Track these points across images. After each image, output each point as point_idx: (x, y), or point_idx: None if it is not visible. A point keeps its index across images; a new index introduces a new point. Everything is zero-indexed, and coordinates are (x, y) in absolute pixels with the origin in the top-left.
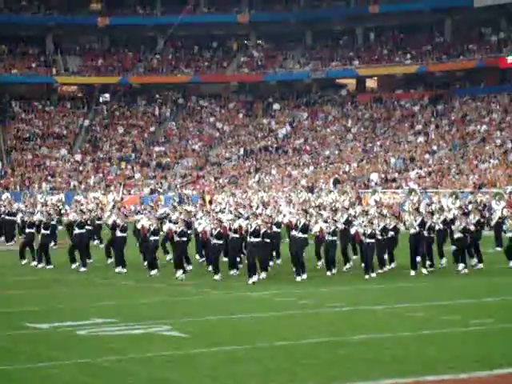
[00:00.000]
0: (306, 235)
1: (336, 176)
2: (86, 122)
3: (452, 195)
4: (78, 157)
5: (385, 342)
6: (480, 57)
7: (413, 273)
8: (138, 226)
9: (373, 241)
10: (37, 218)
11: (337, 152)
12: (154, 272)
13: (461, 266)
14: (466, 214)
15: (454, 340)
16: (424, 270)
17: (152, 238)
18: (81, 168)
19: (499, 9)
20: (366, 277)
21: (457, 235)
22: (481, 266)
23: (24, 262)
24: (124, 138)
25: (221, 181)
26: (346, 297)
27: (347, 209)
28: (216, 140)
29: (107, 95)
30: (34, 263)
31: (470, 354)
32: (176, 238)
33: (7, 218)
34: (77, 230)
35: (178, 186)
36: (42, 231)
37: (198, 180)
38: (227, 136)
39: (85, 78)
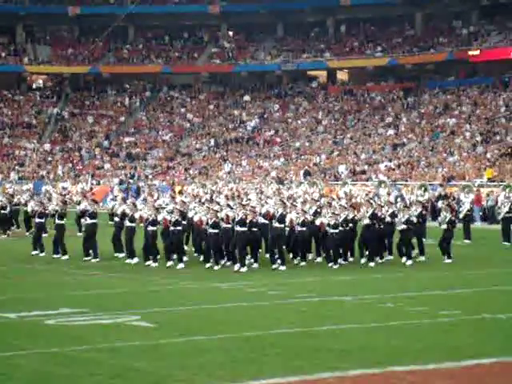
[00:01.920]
0: (282, 225)
1: (306, 168)
2: (56, 112)
3: (421, 188)
4: (47, 146)
5: (353, 332)
6: (450, 50)
7: (372, 264)
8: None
9: (336, 231)
10: (52, 207)
11: (307, 144)
12: (149, 262)
13: (404, 258)
14: (408, 207)
15: (422, 331)
16: (371, 264)
17: (150, 228)
18: (50, 158)
19: (470, 2)
20: (329, 265)
21: (400, 227)
22: (422, 258)
23: (36, 252)
24: (94, 127)
25: (191, 172)
26: (315, 288)
27: (317, 201)
28: (186, 131)
29: (40, 81)
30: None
31: (439, 344)
32: (171, 228)
33: None
34: (88, 221)
35: (149, 177)
36: (57, 221)
37: (168, 171)
38: (198, 127)
39: (55, 68)
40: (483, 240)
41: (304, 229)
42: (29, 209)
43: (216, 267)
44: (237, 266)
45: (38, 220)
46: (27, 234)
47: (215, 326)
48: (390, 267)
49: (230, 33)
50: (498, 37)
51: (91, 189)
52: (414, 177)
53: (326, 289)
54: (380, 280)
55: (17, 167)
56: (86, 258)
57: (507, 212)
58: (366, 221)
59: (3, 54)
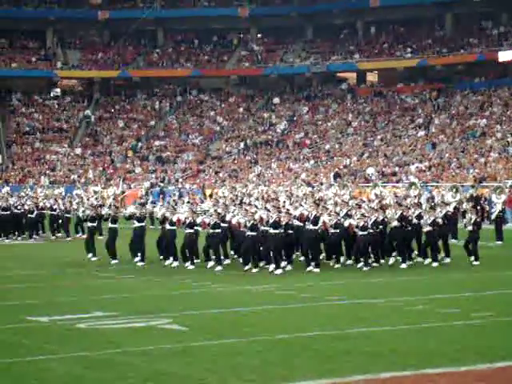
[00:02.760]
0: (316, 227)
1: (336, 170)
2: (92, 118)
3: (452, 189)
4: (78, 151)
5: (384, 335)
6: (480, 50)
7: (404, 265)
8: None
9: (365, 233)
10: (105, 211)
11: (337, 146)
12: (187, 264)
13: (428, 260)
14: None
15: (454, 333)
16: (403, 265)
17: (187, 230)
18: (81, 162)
19: (499, 2)
20: (359, 266)
21: (426, 229)
22: (448, 260)
23: (90, 256)
24: (124, 131)
25: (221, 175)
26: (345, 290)
27: (347, 203)
28: (216, 134)
29: (58, 90)
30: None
31: (471, 346)
32: (210, 231)
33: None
34: (136, 224)
35: (180, 180)
36: (110, 225)
37: (199, 174)
38: (227, 130)
39: (85, 72)
40: None
41: (338, 231)
42: (80, 213)
43: (254, 270)
44: (271, 267)
45: (90, 224)
46: (77, 236)
47: (246, 329)
48: (420, 269)
49: (259, 36)
50: None
51: (123, 192)
52: (446, 178)
53: (356, 291)
54: (410, 282)
55: (48, 172)
56: (136, 260)
57: None
58: (395, 223)
59: (34, 59)
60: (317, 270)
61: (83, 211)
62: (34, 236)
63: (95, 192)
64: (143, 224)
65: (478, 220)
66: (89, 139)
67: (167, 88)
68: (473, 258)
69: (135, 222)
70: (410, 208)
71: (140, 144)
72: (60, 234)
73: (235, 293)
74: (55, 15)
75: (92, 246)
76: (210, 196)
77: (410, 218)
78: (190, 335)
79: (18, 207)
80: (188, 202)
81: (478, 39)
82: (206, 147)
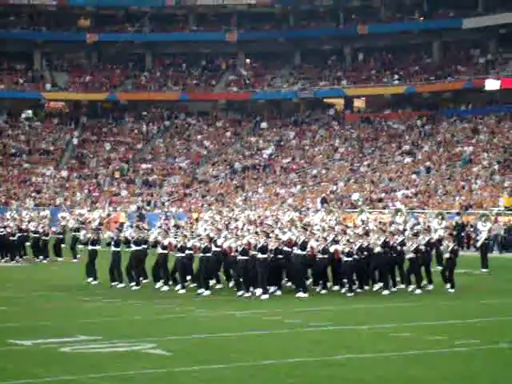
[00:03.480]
0: (304, 252)
1: (324, 195)
2: (75, 140)
3: (438, 216)
4: (64, 173)
5: (369, 362)
6: (468, 78)
7: (386, 292)
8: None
9: (350, 259)
10: (108, 235)
11: (324, 171)
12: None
13: (412, 287)
14: (416, 235)
15: (440, 360)
16: (385, 292)
17: (178, 254)
18: (67, 184)
19: (487, 30)
20: (343, 291)
21: (408, 255)
22: (431, 287)
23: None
24: (111, 154)
25: (208, 198)
26: (331, 316)
27: (333, 228)
28: (203, 158)
29: (30, 111)
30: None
31: (456, 374)
32: (200, 254)
33: None
34: (133, 247)
35: (166, 204)
36: (134, 247)
37: (185, 198)
38: (214, 154)
39: (72, 94)
40: (501, 269)
41: (325, 256)
42: (81, 236)
43: (247, 294)
44: (258, 292)
45: (91, 247)
46: (74, 260)
47: (230, 355)
48: (404, 296)
49: (247, 60)
50: None
51: (108, 215)
52: (432, 205)
53: (342, 317)
54: (395, 308)
55: (33, 194)
56: (132, 284)
57: None
58: (378, 249)
59: (21, 81)
60: (305, 295)
61: (84, 234)
62: (17, 258)
63: (81, 215)
64: (142, 247)
65: (456, 247)
66: (75, 162)
67: (155, 111)
68: (449, 285)
69: (132, 245)
70: (394, 234)
71: (127, 167)
72: (41, 257)
73: (221, 318)
74: (43, 37)
75: (93, 269)
76: (197, 220)
77: (394, 244)
78: (174, 360)
79: (1, 230)
80: (176, 226)
81: (465, 67)
82: (193, 171)
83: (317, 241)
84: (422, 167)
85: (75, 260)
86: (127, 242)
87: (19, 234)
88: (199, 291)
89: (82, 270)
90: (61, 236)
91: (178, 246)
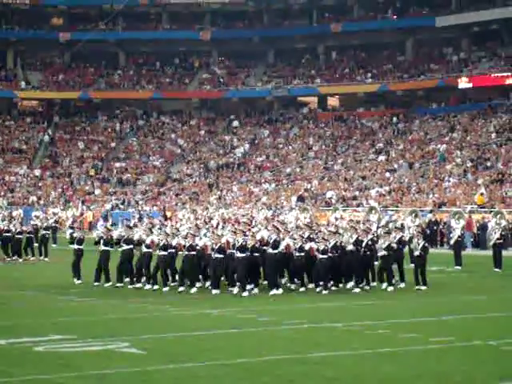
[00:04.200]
0: (276, 251)
1: (301, 193)
2: (46, 137)
3: (412, 213)
4: (38, 172)
5: (344, 359)
6: (441, 76)
7: (357, 290)
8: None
9: (325, 257)
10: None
11: (298, 170)
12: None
13: (384, 284)
14: (389, 233)
15: (414, 358)
16: (356, 290)
17: (161, 252)
18: (40, 183)
19: (461, 29)
20: (318, 290)
21: (380, 253)
22: (403, 285)
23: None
24: (84, 153)
25: (182, 197)
26: (305, 314)
27: (310, 226)
28: (177, 156)
29: None
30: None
31: (430, 371)
32: (185, 252)
33: None
34: (125, 246)
35: (140, 203)
36: (103, 247)
37: (159, 196)
38: (188, 152)
39: (45, 93)
40: (474, 266)
41: (302, 254)
42: (67, 235)
43: (214, 291)
44: (235, 290)
45: (77, 246)
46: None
47: (205, 353)
48: (377, 293)
49: (221, 59)
50: (489, 63)
51: (81, 214)
52: (405, 203)
53: (316, 315)
54: (369, 306)
55: (7, 193)
56: (118, 285)
57: (498, 238)
58: (350, 247)
59: None
60: (279, 291)
61: (71, 233)
62: None
63: (54, 214)
64: (131, 247)
65: (426, 245)
66: (48, 160)
67: (128, 110)
68: (421, 282)
69: (124, 245)
70: (368, 232)
71: (100, 165)
72: (15, 256)
73: (195, 316)
74: (16, 36)
75: (78, 269)
76: (170, 219)
77: (368, 242)
78: (148, 359)
79: None
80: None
81: (438, 65)
82: (167, 169)
83: (293, 239)
84: (396, 165)
85: (46, 259)
86: (118, 242)
87: None
88: (180, 289)
89: (55, 269)
90: (32, 235)
91: (161, 244)
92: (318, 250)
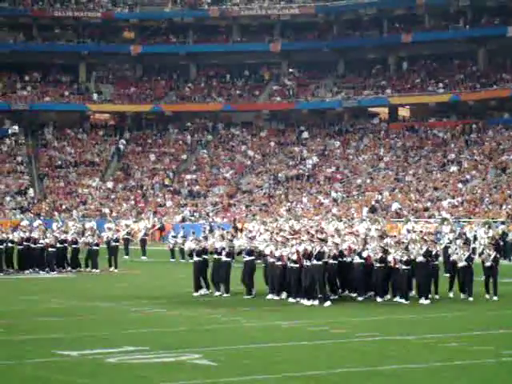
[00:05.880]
0: (320, 262)
1: (373, 204)
2: (121, 146)
3: (485, 225)
4: (110, 184)
5: (416, 372)
6: None
7: (425, 301)
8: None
9: (408, 267)
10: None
11: (368, 181)
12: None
13: (462, 295)
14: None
15: (487, 371)
16: (423, 301)
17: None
18: (112, 195)
19: None
20: (396, 300)
21: (461, 264)
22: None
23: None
24: (156, 165)
25: (252, 209)
26: (377, 326)
27: (382, 237)
28: (247, 168)
29: (16, 127)
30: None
31: None
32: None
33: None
34: (195, 258)
35: (210, 214)
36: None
37: (229, 208)
38: (258, 164)
39: (117, 106)
40: None
41: (383, 265)
42: (186, 247)
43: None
44: (306, 302)
45: (197, 258)
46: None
47: (276, 366)
48: (447, 305)
49: (291, 70)
50: None
51: (153, 226)
52: (478, 214)
53: (387, 327)
54: (440, 319)
55: (80, 205)
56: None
57: None
58: (420, 258)
59: (66, 93)
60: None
61: (189, 246)
62: (61, 269)
63: (126, 226)
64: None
65: (497, 256)
66: (120, 173)
67: (199, 122)
68: (492, 293)
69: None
70: (436, 243)
71: (171, 176)
72: (89, 267)
73: (266, 328)
74: (88, 49)
75: (199, 280)
76: (241, 230)
77: (438, 253)
78: (219, 371)
79: (40, 241)
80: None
81: (510, 75)
82: (237, 181)
83: (374, 250)
84: (469, 176)
85: (116, 270)
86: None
87: (59, 245)
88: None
89: (126, 280)
90: (105, 246)
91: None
92: (400, 261)
